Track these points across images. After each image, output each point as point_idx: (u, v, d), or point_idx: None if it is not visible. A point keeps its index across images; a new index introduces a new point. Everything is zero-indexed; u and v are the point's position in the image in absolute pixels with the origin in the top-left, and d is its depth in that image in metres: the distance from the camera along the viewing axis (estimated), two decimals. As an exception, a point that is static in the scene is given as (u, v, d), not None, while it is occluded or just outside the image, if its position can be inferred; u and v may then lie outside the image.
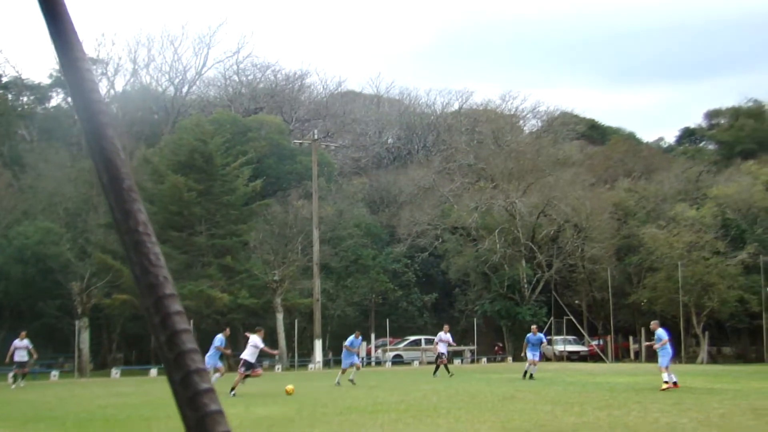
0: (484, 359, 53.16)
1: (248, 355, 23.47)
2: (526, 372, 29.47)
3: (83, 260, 44.22)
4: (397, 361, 50.78)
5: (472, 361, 52.96)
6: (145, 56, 76.09)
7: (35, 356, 32.21)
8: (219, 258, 47.11)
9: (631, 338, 56.91)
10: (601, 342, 56.34)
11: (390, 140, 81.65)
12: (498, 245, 55.02)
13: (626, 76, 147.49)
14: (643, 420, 14.15)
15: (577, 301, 58.57)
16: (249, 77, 79.49)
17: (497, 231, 55.61)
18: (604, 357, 53.91)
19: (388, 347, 52.15)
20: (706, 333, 52.23)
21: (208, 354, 24.57)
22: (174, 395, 1.00)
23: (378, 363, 50.30)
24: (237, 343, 50.08)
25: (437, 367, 33.82)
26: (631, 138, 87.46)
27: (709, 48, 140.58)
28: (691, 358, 51.26)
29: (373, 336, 54.42)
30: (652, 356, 39.57)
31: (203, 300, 43.47)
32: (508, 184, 58.58)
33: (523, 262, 56.06)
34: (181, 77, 73.77)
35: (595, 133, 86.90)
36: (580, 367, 42.85)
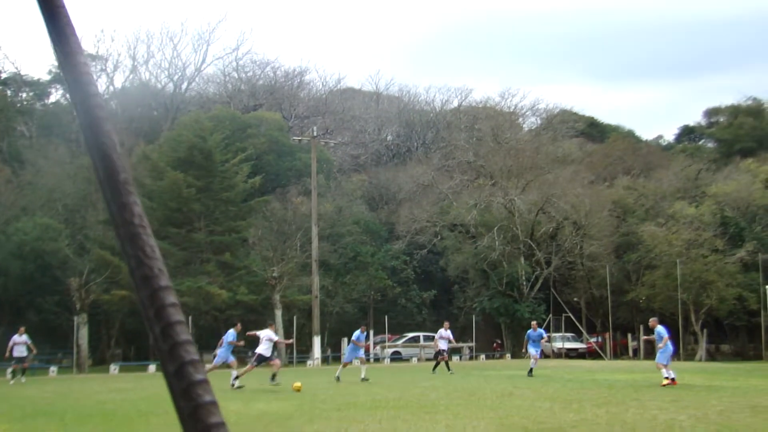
0: (483, 356, 53.23)
1: (263, 349, 23.90)
2: (531, 370, 29.27)
3: (82, 256, 44.25)
4: (396, 357, 50.83)
5: (471, 358, 53.00)
6: (144, 53, 76.23)
7: (34, 351, 32.23)
8: (218, 254, 47.14)
9: (629, 335, 56.97)
10: (600, 339, 56.37)
11: (389, 137, 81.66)
12: (497, 242, 55.04)
13: (626, 73, 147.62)
14: (642, 417, 14.17)
15: (575, 299, 58.59)
16: (248, 74, 79.50)
17: (496, 228, 55.62)
18: (602, 354, 53.95)
19: (387, 344, 52.17)
20: (705, 330, 52.27)
21: (220, 349, 24.84)
22: (168, 386, 1.01)
23: (376, 359, 50.32)
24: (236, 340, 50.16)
25: (437, 364, 33.78)
26: (630, 136, 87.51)
27: (709, 46, 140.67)
28: (690, 356, 51.30)
29: (371, 333, 54.45)
30: (650, 353, 39.65)
31: (202, 296, 43.51)
32: (507, 182, 58.60)
33: (522, 260, 56.07)
34: (180, 74, 73.77)
35: (594, 130, 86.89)
36: (578, 364, 42.89)
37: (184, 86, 74.33)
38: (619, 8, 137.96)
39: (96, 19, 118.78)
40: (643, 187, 62.53)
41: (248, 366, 24.54)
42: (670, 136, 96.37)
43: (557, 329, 55.16)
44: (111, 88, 71.57)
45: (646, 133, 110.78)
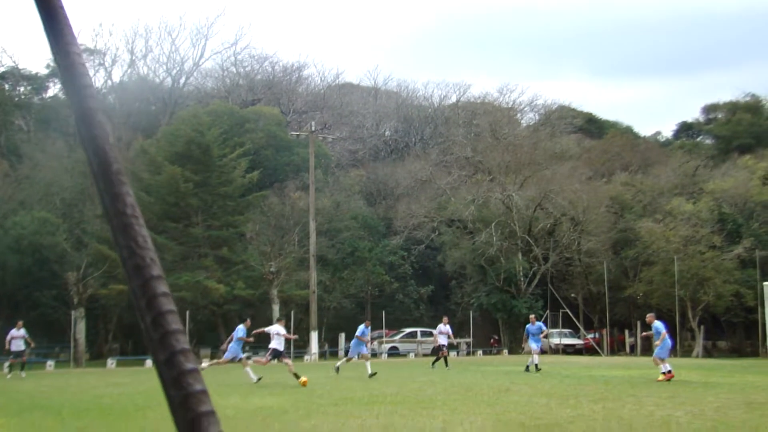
0: (480, 352, 53.29)
1: (276, 344, 24.07)
2: (537, 365, 28.75)
3: (79, 250, 44.21)
4: (393, 353, 50.85)
5: (468, 354, 53.05)
6: (142, 47, 76.11)
7: (32, 345, 32.18)
8: (215, 249, 47.12)
9: (626, 332, 56.98)
10: (597, 335, 56.44)
11: (387, 132, 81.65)
12: (494, 238, 55.05)
13: (624, 69, 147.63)
14: (638, 413, 14.19)
15: (573, 295, 58.66)
16: (246, 69, 79.46)
17: (494, 224, 55.63)
18: (599, 350, 54.01)
19: (384, 339, 52.19)
20: (702, 327, 52.29)
21: (230, 345, 24.92)
22: (159, 375, 1.01)
23: (374, 355, 50.32)
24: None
25: (437, 359, 33.69)
26: (628, 132, 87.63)
27: (707, 42, 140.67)
28: (687, 352, 51.34)
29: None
30: (647, 349, 39.71)
31: (199, 291, 43.50)
32: (505, 177, 58.60)
33: (520, 255, 56.10)
34: (178, 68, 73.71)
35: (592, 126, 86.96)
36: (575, 360, 42.93)
37: (182, 81, 74.30)
38: (618, 4, 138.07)
39: (94, 13, 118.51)
40: (641, 183, 62.56)
41: (263, 359, 24.60)
42: (668, 132, 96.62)
43: (554, 325, 55.19)
44: (109, 82, 71.54)
45: (644, 130, 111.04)
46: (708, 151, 74.90)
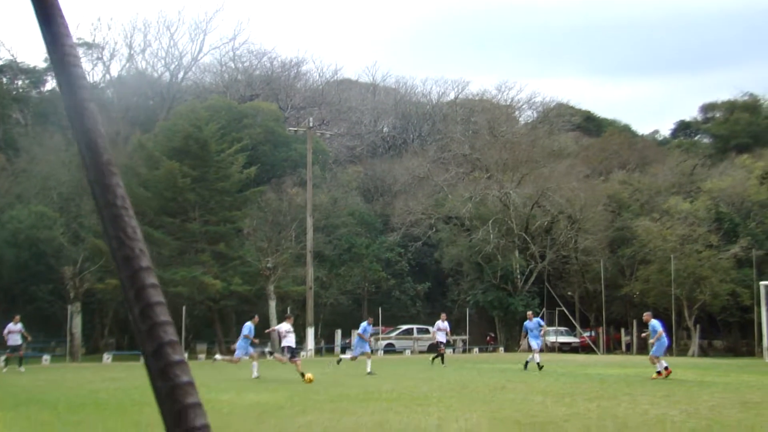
0: (476, 349, 53.31)
1: (290, 341, 24.12)
2: (538, 363, 28.04)
3: (76, 245, 44.18)
4: (389, 349, 50.86)
5: (464, 351, 53.08)
6: (141, 41, 75.90)
7: (29, 339, 32.17)
8: (212, 244, 47.08)
9: (622, 330, 57.06)
10: (593, 333, 56.47)
11: (385, 129, 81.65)
12: (491, 236, 55.06)
13: (622, 68, 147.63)
14: (633, 411, 14.20)
15: (569, 293, 58.68)
16: (245, 64, 79.39)
17: (491, 221, 55.65)
18: (595, 348, 54.05)
19: (380, 336, 52.20)
20: (698, 326, 52.34)
21: (238, 343, 24.99)
22: (146, 366, 1.01)
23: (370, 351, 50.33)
24: (230, 332, 50.22)
25: (437, 355, 33.61)
26: (626, 130, 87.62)
27: (706, 41, 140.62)
28: (682, 351, 51.38)
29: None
30: (643, 348, 39.70)
31: (196, 286, 43.49)
32: (503, 175, 58.61)
33: (517, 253, 56.14)
34: (177, 63, 73.59)
35: (590, 124, 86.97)
36: (571, 358, 42.95)
37: (180, 75, 74.18)
38: (617, 2, 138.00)
39: (93, 7, 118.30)
40: (639, 182, 62.56)
41: (284, 358, 24.66)
42: (666, 131, 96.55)
43: (551, 323, 55.17)
44: (107, 76, 71.46)
45: (642, 128, 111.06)
46: (705, 150, 74.93)
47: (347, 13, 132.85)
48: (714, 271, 50.47)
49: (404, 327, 54.14)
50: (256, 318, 25.65)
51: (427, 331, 51.40)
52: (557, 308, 55.81)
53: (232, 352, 25.85)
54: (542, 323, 31.92)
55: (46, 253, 44.54)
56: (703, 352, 53.26)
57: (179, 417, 0.98)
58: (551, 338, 54.04)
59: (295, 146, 60.66)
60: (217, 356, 28.24)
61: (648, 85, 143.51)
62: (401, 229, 58.43)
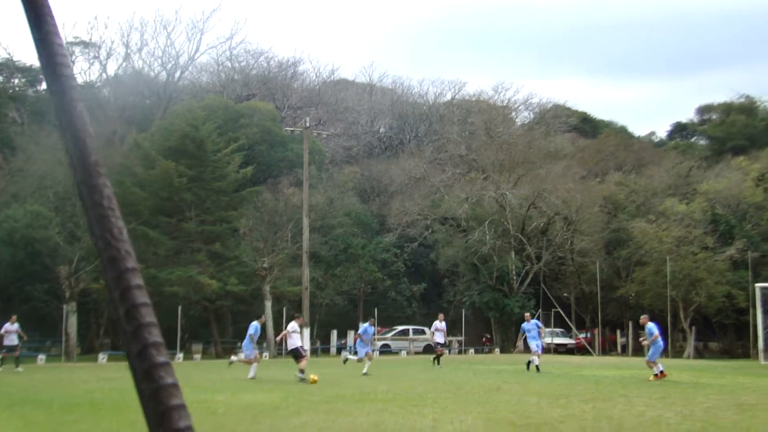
0: (472, 350, 53.31)
1: (295, 342, 24.03)
2: (537, 366, 27.77)
3: (72, 244, 44.05)
4: (385, 350, 50.83)
5: (460, 352, 53.07)
6: (137, 40, 75.81)
7: (25, 338, 32.12)
8: (208, 244, 47.02)
9: (618, 332, 57.09)
10: (589, 335, 56.51)
11: (382, 129, 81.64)
12: (488, 236, 55.06)
13: (619, 69, 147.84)
14: (628, 413, 14.20)
15: (565, 294, 58.70)
16: (242, 64, 79.32)
17: (487, 222, 55.65)
18: (591, 350, 54.09)
19: (376, 337, 52.14)
20: (693, 328, 52.40)
21: (244, 343, 24.94)
22: (130, 367, 1.01)
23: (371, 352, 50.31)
24: (225, 332, 50.19)
25: (436, 356, 33.52)
26: (622, 132, 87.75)
27: (702, 43, 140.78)
28: (678, 353, 51.43)
29: (361, 325, 54.37)
30: (639, 350, 39.77)
31: (192, 286, 43.42)
32: (499, 176, 58.64)
33: (513, 254, 56.14)
34: (173, 62, 73.47)
35: (586, 126, 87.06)
36: (567, 359, 42.98)
37: (177, 75, 74.09)
38: (615, 3, 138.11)
39: (90, 5, 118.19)
40: (635, 184, 62.64)
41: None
42: (662, 132, 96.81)
43: (546, 324, 55.15)
44: (104, 75, 71.35)
45: (638, 130, 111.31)
46: (702, 152, 75.08)
47: (344, 13, 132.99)
48: (710, 273, 50.53)
49: (400, 328, 54.12)
50: (263, 318, 25.61)
51: (423, 332, 51.40)
52: (553, 309, 55.81)
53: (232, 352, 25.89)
54: (540, 325, 31.85)
55: (42, 253, 44.43)
56: (699, 354, 53.33)
57: (163, 418, 0.98)
58: (547, 339, 54.01)
59: (291, 146, 60.60)
60: (233, 357, 28.23)
61: (645, 86, 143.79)
62: (397, 229, 58.43)
